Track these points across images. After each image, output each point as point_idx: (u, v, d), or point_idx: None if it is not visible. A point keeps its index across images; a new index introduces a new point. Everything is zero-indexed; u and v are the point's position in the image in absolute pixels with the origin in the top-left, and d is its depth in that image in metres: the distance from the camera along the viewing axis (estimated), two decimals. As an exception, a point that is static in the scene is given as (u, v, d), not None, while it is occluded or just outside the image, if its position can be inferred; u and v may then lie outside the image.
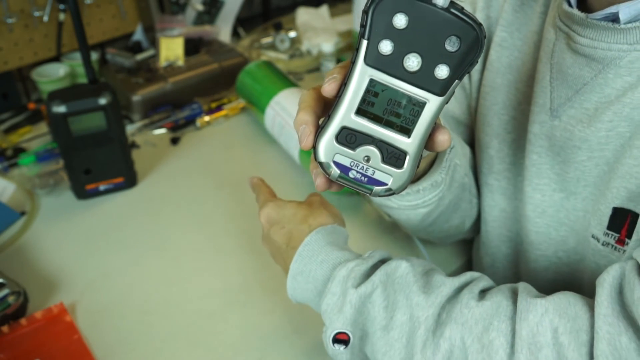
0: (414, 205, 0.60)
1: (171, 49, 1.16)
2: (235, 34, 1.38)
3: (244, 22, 1.42)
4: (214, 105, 1.12)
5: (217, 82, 1.16)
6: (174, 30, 1.22)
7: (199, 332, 0.71)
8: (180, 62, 1.16)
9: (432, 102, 0.41)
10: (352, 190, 0.44)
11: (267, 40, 1.32)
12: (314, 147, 0.43)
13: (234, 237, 0.84)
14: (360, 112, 0.41)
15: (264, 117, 0.99)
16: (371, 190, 0.43)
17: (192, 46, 1.19)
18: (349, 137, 0.42)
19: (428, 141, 0.43)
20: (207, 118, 1.09)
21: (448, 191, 0.62)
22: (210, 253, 0.82)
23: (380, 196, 0.43)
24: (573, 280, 0.64)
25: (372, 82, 0.41)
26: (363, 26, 0.39)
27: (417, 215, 0.62)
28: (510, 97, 0.67)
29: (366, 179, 0.43)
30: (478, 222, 0.76)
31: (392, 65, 0.40)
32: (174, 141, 1.04)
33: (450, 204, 0.65)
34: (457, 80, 0.40)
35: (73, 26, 0.81)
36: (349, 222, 0.85)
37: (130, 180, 0.93)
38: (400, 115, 0.41)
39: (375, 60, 0.40)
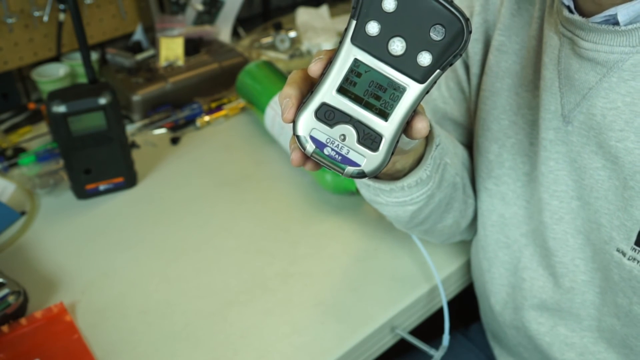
0: (401, 202, 0.60)
1: (171, 49, 1.16)
2: (235, 34, 1.38)
3: (244, 22, 1.42)
4: (214, 105, 1.12)
5: (217, 82, 1.16)
6: (174, 30, 1.22)
7: (199, 332, 0.71)
8: (180, 62, 1.16)
9: (413, 88, 0.41)
10: (326, 168, 0.44)
11: (267, 40, 1.32)
12: (294, 121, 0.43)
13: (234, 237, 0.84)
14: (341, 90, 0.42)
15: (263, 117, 0.99)
16: (344, 169, 0.44)
17: (192, 46, 1.19)
18: (327, 114, 0.43)
19: (406, 128, 0.44)
20: (207, 118, 1.09)
21: (438, 190, 0.62)
22: (210, 253, 0.82)
23: (352, 177, 0.44)
24: (590, 288, 0.64)
25: (356, 62, 0.41)
26: (354, 7, 0.41)
27: (405, 212, 0.62)
28: (510, 101, 0.67)
29: (340, 158, 0.43)
30: (475, 223, 0.76)
31: (377, 47, 0.41)
32: (174, 141, 1.04)
33: (442, 203, 0.65)
34: (439, 70, 0.41)
35: (73, 26, 0.81)
36: (349, 222, 0.86)
37: (130, 180, 0.93)
38: (380, 98, 0.42)
39: (362, 41, 0.41)
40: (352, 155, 0.43)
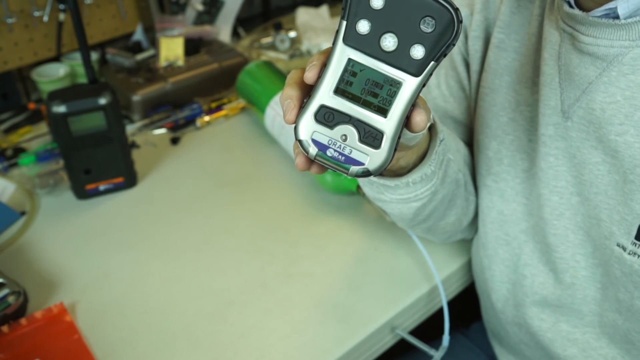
0: (405, 198, 0.60)
1: (171, 49, 1.16)
2: (235, 34, 1.38)
3: (244, 22, 1.42)
4: (214, 105, 1.12)
5: (217, 82, 1.16)
6: (174, 30, 1.22)
7: (199, 332, 0.71)
8: (180, 62, 1.16)
9: (409, 82, 0.41)
10: (331, 170, 0.45)
11: (267, 40, 1.32)
12: (295, 125, 0.44)
13: (234, 237, 0.84)
14: (338, 91, 0.42)
15: (264, 117, 0.99)
16: (348, 169, 0.44)
17: (192, 46, 1.19)
18: (327, 116, 0.43)
19: (406, 122, 0.44)
20: (207, 118, 1.09)
21: (441, 186, 0.62)
22: (210, 253, 0.82)
23: (357, 176, 0.44)
24: (591, 283, 0.64)
25: (351, 62, 0.42)
26: (343, 8, 0.41)
27: (409, 209, 0.62)
28: (509, 98, 0.67)
29: (343, 158, 0.43)
30: (476, 221, 0.76)
31: (369, 45, 0.41)
32: (174, 141, 1.04)
33: (445, 200, 0.65)
34: (433, 62, 0.41)
35: (73, 26, 0.81)
36: (349, 222, 0.86)
37: (130, 180, 0.93)
38: (378, 95, 0.42)
39: (354, 40, 0.41)
40: (355, 155, 0.43)
